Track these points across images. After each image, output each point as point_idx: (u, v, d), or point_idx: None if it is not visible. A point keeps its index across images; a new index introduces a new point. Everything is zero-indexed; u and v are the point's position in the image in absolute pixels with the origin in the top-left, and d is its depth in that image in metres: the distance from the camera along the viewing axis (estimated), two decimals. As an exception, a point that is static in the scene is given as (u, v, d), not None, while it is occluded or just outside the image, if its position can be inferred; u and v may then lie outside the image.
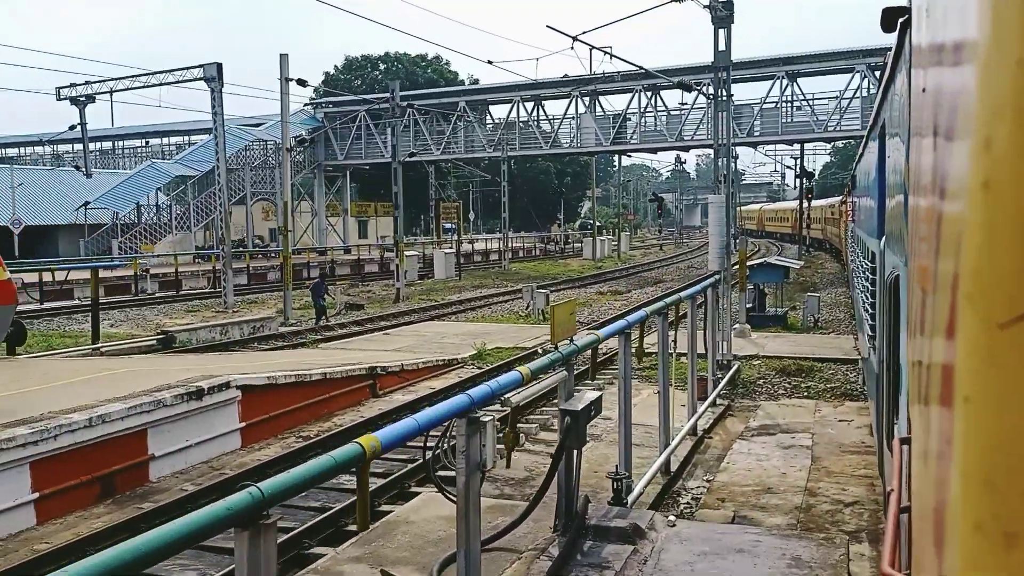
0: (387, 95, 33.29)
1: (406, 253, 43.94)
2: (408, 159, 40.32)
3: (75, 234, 47.06)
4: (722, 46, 16.00)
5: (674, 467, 10.62)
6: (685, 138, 45.56)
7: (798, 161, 58.10)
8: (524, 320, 25.54)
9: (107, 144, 68.08)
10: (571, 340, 7.15)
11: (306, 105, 53.86)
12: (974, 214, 0.92)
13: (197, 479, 10.19)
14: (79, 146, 67.09)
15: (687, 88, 19.30)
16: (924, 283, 1.63)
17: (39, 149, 67.46)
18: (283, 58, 25.28)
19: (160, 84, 31.08)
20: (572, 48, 17.22)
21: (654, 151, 50.28)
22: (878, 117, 7.78)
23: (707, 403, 13.23)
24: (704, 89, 18.47)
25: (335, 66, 75.89)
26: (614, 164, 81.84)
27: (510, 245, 63.94)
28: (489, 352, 18.33)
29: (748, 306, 22.45)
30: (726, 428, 13.04)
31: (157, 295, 35.99)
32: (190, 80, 29.74)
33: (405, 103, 35.09)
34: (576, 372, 14.93)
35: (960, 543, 0.92)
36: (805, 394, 14.63)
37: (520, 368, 5.98)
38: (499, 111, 53.40)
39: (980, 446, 0.89)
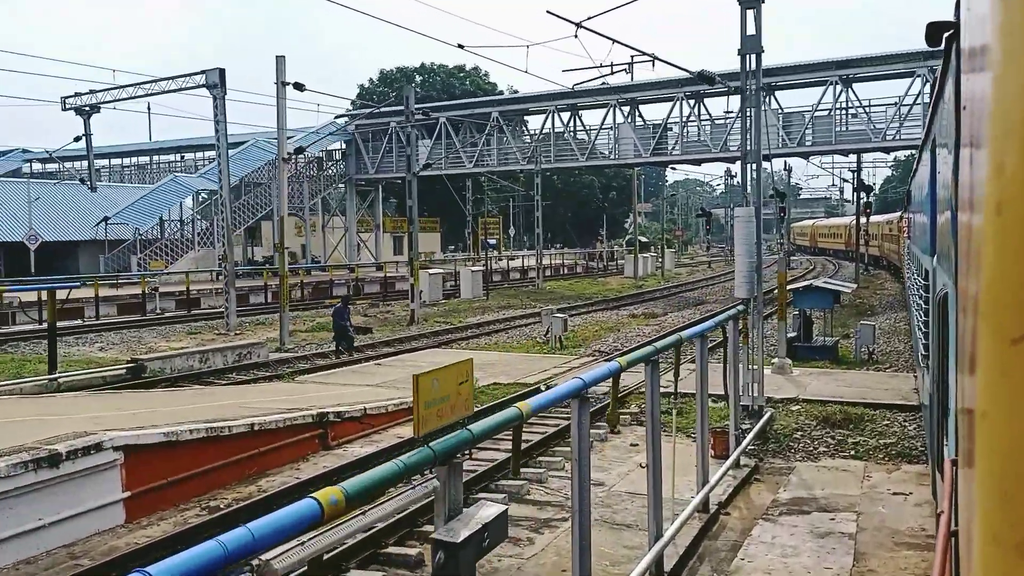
0: (400, 107, 31.18)
1: (431, 271, 41.83)
2: (423, 172, 38.13)
3: (96, 250, 45.77)
4: (751, 29, 13.35)
5: (671, 563, 8.03)
6: (731, 148, 42.54)
7: (856, 174, 54.58)
8: (540, 348, 23.02)
9: (144, 159, 67.34)
10: (462, 424, 4.67)
11: (337, 118, 52.19)
12: (988, 233, 0.94)
13: (44, 571, 7.92)
14: (113, 160, 66.67)
15: (710, 80, 16.67)
16: (963, 301, 1.60)
17: (74, 165, 66.83)
18: (279, 60, 23.30)
19: (163, 92, 29.38)
20: (576, 36, 14.81)
21: (697, 163, 47.23)
22: (930, 130, 7.64)
23: (726, 466, 10.56)
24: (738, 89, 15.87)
25: (370, 79, 74.50)
26: (665, 178, 78.75)
27: (549, 262, 61.40)
28: (482, 389, 15.85)
29: (791, 335, 19.61)
30: (749, 499, 10.38)
31: (167, 315, 34.31)
32: (193, 87, 27.97)
33: (421, 113, 32.82)
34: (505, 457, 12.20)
35: (979, 556, 0.91)
36: (852, 452, 11.85)
37: (324, 492, 3.51)
38: (535, 122, 51.16)
39: (994, 458, 0.90)
